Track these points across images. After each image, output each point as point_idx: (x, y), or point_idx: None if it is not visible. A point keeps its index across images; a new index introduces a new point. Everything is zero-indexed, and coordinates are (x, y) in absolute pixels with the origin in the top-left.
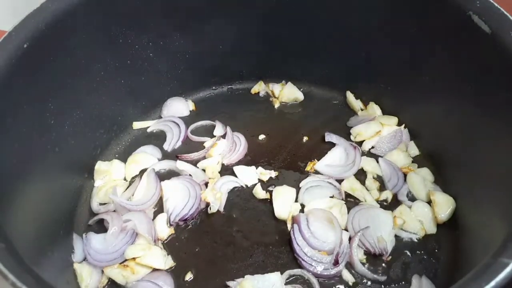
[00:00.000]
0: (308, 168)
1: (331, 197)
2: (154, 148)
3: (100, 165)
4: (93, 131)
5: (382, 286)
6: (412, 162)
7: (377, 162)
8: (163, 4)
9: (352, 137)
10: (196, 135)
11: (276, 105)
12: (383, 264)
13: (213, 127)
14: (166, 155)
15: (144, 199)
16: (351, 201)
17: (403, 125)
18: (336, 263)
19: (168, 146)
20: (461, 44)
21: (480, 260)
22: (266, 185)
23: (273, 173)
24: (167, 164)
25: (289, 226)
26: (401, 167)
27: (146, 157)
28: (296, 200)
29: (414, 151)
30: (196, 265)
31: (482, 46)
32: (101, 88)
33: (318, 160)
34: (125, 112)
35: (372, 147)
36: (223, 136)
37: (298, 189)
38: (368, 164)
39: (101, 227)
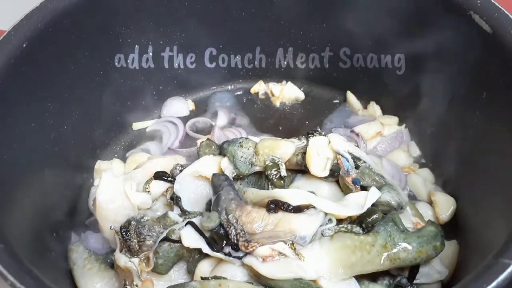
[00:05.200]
0: None
1: None
2: (154, 145)
3: (99, 165)
4: (93, 131)
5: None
6: (413, 162)
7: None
8: (162, 4)
9: None
10: (195, 131)
11: (276, 105)
12: None
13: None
14: (165, 154)
15: None
16: None
17: (404, 125)
18: None
19: (165, 145)
20: (462, 43)
21: (481, 261)
22: None
23: None
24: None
25: None
26: (403, 167)
27: (147, 157)
28: None
29: (415, 151)
30: None
31: (483, 45)
32: (100, 88)
33: None
34: (125, 112)
35: (374, 148)
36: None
37: None
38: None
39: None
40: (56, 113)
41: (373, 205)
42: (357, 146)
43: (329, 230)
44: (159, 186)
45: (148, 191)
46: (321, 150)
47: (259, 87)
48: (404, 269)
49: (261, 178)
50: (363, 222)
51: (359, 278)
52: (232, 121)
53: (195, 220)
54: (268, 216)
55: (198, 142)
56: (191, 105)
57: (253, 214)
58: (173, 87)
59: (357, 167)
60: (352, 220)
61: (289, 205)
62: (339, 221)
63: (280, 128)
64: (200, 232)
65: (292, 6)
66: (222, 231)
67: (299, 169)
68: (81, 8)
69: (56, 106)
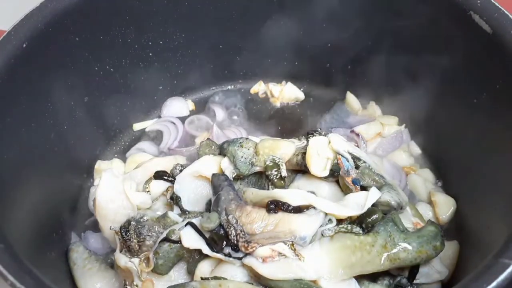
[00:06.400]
0: None
1: None
2: (151, 145)
3: (99, 164)
4: (93, 131)
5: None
6: (414, 162)
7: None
8: (162, 4)
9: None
10: (193, 129)
11: (276, 105)
12: None
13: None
14: (164, 154)
15: None
16: None
17: (404, 125)
18: None
19: (164, 146)
20: (462, 44)
21: (481, 261)
22: None
23: None
24: None
25: None
26: (404, 167)
27: (147, 157)
28: None
29: (416, 151)
30: None
31: (482, 45)
32: (100, 88)
33: None
34: (125, 112)
35: (375, 148)
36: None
37: None
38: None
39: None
40: (55, 113)
41: (373, 205)
42: (357, 146)
43: (329, 231)
44: (159, 186)
45: (148, 191)
46: (321, 150)
47: (259, 87)
48: (404, 269)
49: (261, 178)
50: (363, 222)
51: (359, 278)
52: (231, 119)
53: (195, 221)
54: (268, 217)
55: (197, 140)
56: (191, 105)
57: (253, 215)
58: (173, 87)
59: (357, 167)
60: (352, 220)
61: (289, 205)
62: (339, 221)
63: (280, 128)
64: (200, 233)
65: (292, 7)
66: (222, 231)
67: (299, 169)
68: (81, 8)
69: (56, 106)
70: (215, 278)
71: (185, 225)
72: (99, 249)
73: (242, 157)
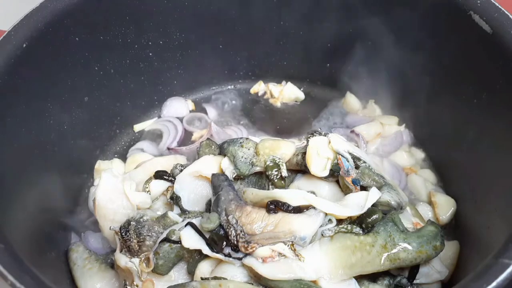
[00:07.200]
0: None
1: None
2: (150, 145)
3: (99, 164)
4: (93, 131)
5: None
6: (415, 163)
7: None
8: (162, 4)
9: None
10: (192, 128)
11: (276, 105)
12: None
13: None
14: (163, 153)
15: None
16: None
17: (404, 125)
18: None
19: (163, 145)
20: (462, 44)
21: (481, 261)
22: None
23: None
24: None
25: None
26: (404, 167)
27: (147, 156)
28: None
29: (416, 151)
30: None
31: (483, 45)
32: (100, 88)
33: None
34: (125, 112)
35: (376, 149)
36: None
37: None
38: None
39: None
40: (55, 113)
41: (373, 205)
42: (357, 146)
43: (329, 231)
44: (159, 186)
45: (148, 191)
46: (321, 150)
47: (259, 87)
48: (404, 269)
49: (261, 178)
50: (363, 223)
51: (359, 278)
52: (231, 119)
53: (195, 221)
54: (268, 217)
55: (195, 135)
56: (191, 105)
57: (253, 215)
58: (173, 87)
59: (357, 167)
60: (352, 221)
61: (289, 205)
62: (339, 221)
63: (280, 128)
64: (200, 233)
65: (292, 7)
66: (222, 232)
67: (299, 169)
68: (81, 8)
69: (56, 106)
70: (215, 278)
71: (185, 225)
72: (99, 249)
73: (242, 157)
